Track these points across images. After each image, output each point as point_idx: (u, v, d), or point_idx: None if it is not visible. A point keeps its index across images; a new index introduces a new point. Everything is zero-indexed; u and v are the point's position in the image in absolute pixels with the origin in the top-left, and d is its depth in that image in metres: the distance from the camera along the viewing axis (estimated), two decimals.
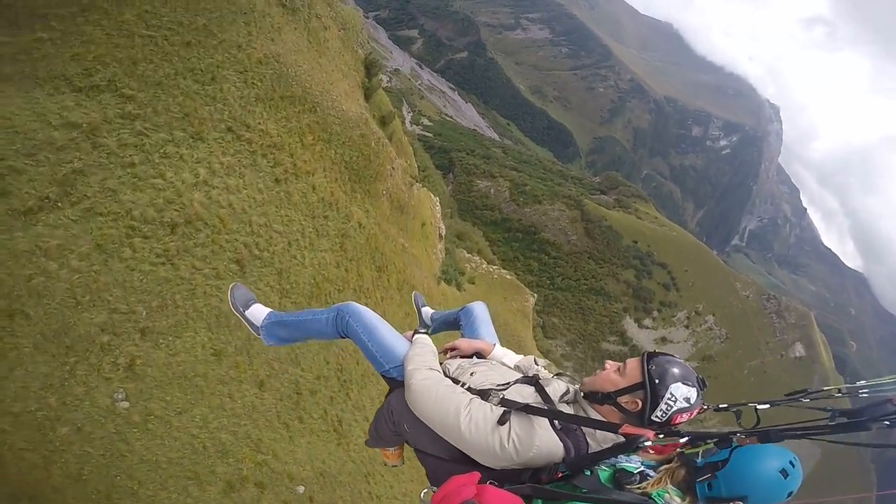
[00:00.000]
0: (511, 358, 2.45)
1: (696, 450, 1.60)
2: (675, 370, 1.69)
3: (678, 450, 1.64)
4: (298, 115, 12.20)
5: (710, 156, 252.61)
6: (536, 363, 2.32)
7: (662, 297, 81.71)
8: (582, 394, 1.91)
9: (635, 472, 1.64)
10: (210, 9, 10.24)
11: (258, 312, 2.84)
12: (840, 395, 1.68)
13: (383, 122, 24.67)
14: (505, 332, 26.78)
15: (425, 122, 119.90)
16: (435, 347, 2.33)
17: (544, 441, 1.71)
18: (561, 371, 2.32)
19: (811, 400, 1.72)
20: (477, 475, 1.50)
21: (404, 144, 29.31)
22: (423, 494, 2.04)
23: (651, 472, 1.66)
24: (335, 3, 18.53)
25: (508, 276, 34.80)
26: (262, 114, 10.99)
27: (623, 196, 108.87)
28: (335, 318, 2.48)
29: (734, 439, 1.52)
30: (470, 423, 1.78)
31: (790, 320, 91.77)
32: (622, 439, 1.65)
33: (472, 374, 2.11)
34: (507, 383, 1.99)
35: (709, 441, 1.56)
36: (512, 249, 78.23)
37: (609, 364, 1.91)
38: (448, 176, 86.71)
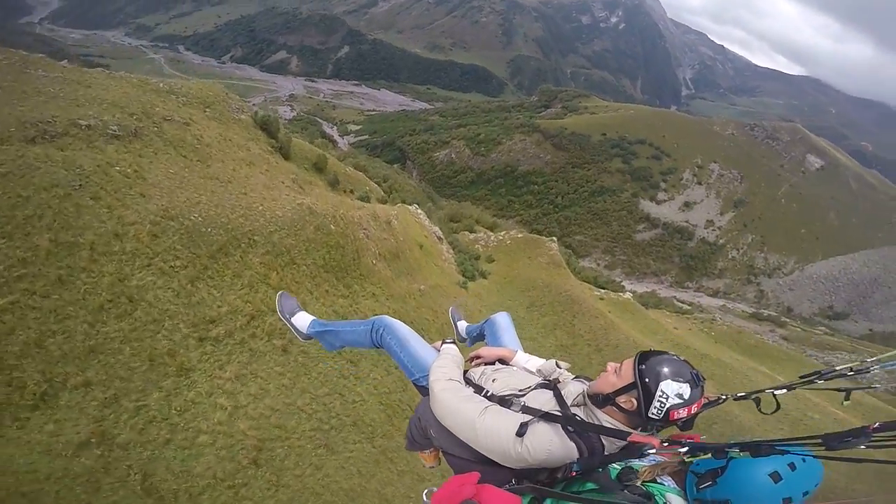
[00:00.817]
0: (534, 363, 2.38)
1: (695, 459, 1.58)
2: (665, 368, 1.68)
3: (679, 458, 1.63)
4: (244, 261, 9.46)
5: (612, 34, 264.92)
6: (559, 366, 2.22)
7: (659, 167, 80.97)
8: (590, 400, 1.90)
9: (641, 468, 1.62)
10: (33, 215, 7.12)
11: (303, 320, 3.11)
12: (852, 373, 1.69)
13: (317, 168, 22.02)
14: (549, 293, 24.52)
15: (352, 127, 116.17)
16: (460, 357, 2.36)
17: (556, 446, 1.74)
18: (580, 375, 2.19)
19: (825, 381, 1.71)
20: (476, 475, 1.52)
21: (351, 175, 26.52)
22: (424, 494, 2.00)
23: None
24: (177, 87, 15.16)
25: (520, 235, 32.06)
26: (209, 293, 8.49)
27: (565, 101, 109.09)
28: (370, 330, 2.64)
29: (729, 452, 1.51)
30: (484, 429, 1.83)
31: (785, 138, 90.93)
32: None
33: (493, 381, 2.14)
34: (527, 388, 2.03)
35: (706, 451, 1.54)
36: (502, 196, 76.79)
37: (609, 366, 1.89)
38: (406, 164, 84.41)
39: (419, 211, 26.90)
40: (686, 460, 1.60)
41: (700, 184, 79.97)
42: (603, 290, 33.60)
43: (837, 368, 1.70)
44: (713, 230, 75.08)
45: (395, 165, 79.04)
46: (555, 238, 33.55)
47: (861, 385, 1.59)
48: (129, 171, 9.03)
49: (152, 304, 7.56)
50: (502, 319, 3.00)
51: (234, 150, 13.70)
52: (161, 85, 14.77)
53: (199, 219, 9.15)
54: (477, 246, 29.73)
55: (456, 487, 1.43)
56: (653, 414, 1.67)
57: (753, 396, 1.81)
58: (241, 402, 7.73)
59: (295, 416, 8.32)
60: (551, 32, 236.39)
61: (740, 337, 33.81)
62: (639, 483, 1.54)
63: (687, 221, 75.11)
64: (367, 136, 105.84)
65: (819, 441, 1.42)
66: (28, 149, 7.97)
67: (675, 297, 61.67)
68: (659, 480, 1.56)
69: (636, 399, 1.71)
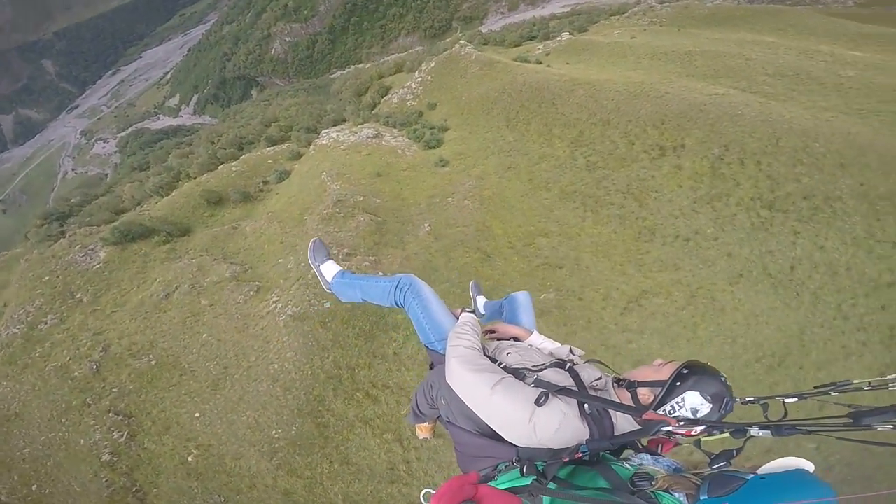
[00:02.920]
0: (548, 346, 2.32)
1: (713, 438, 1.52)
2: (702, 382, 1.59)
3: (696, 439, 1.56)
4: (335, 410, 9.13)
5: None
6: (572, 352, 2.19)
7: None
8: (614, 382, 1.87)
9: (657, 475, 1.48)
10: None
11: (331, 269, 3.04)
12: (870, 388, 1.57)
13: (216, 203, 17.34)
14: (511, 97, 21.01)
15: (171, 102, 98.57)
16: (479, 326, 2.30)
17: (567, 424, 1.66)
18: (594, 358, 2.14)
19: (840, 393, 1.61)
20: (475, 475, 1.58)
21: (247, 169, 21.15)
22: (422, 495, 1.97)
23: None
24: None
25: (432, 63, 26.87)
26: (361, 455, 8.84)
27: None
28: (395, 288, 2.57)
29: (749, 431, 1.43)
30: (497, 400, 1.75)
31: None
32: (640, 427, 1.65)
33: (507, 354, 2.12)
34: (542, 365, 1.99)
35: (725, 430, 1.47)
36: (371, 28, 69.33)
37: (656, 361, 1.80)
38: (260, 83, 73.48)
39: (332, 133, 22.26)
40: (703, 440, 1.53)
41: None
42: (541, 44, 29.53)
43: (855, 381, 1.60)
44: None
45: (254, 93, 68.82)
46: (462, 41, 28.47)
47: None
48: (188, 456, 8.83)
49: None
50: (523, 298, 2.97)
51: (167, 310, 11.67)
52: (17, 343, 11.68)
53: (280, 432, 8.91)
54: (408, 102, 25.33)
55: (456, 487, 1.39)
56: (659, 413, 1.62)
57: (762, 402, 1.65)
58: None
59: None
60: None
61: (692, 10, 30.54)
62: (650, 491, 1.40)
63: None
64: (196, 97, 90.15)
65: (846, 419, 1.37)
66: None
67: None
68: (671, 493, 1.38)
69: (655, 395, 1.66)
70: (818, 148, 13.55)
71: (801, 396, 1.62)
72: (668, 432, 1.59)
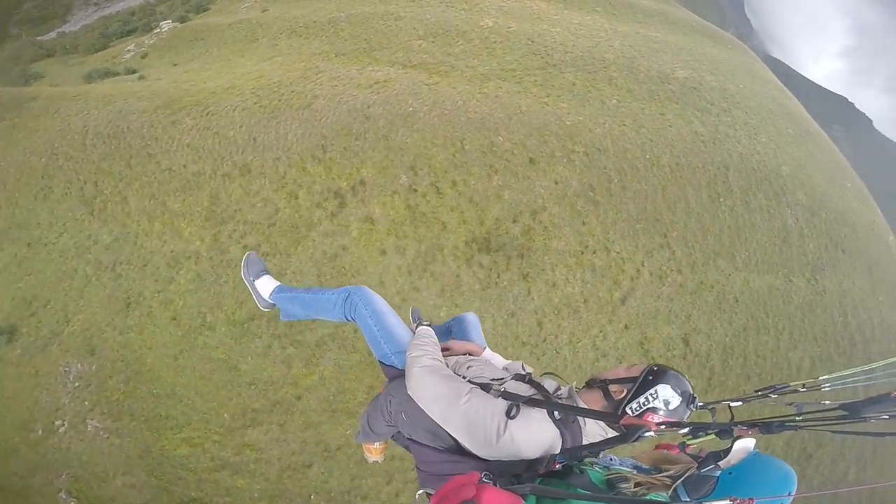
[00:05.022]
0: (499, 360, 2.36)
1: (698, 441, 1.50)
2: (672, 378, 1.67)
3: (680, 441, 1.56)
4: None
5: None
6: (524, 368, 2.16)
7: None
8: (578, 389, 1.89)
9: (629, 476, 1.54)
10: None
11: (266, 285, 2.79)
12: (804, 389, 1.73)
13: None
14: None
15: None
16: (437, 340, 2.26)
17: (541, 432, 1.67)
18: (550, 371, 2.15)
19: (778, 395, 1.74)
20: (476, 475, 1.48)
21: None
22: (417, 497, 1.90)
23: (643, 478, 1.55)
24: None
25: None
26: None
27: None
28: (345, 300, 2.42)
29: (734, 430, 1.43)
30: (468, 411, 1.72)
31: None
32: (614, 432, 1.67)
33: (468, 368, 2.08)
34: (503, 379, 1.96)
35: (710, 431, 1.46)
36: None
37: (625, 363, 1.93)
38: None
39: None
40: (687, 441, 1.51)
41: None
42: (135, 41, 20.18)
43: (791, 384, 1.72)
44: None
45: None
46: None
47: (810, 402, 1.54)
48: None
49: None
50: (472, 317, 2.88)
51: None
52: None
53: None
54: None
55: (455, 487, 1.36)
56: (631, 408, 1.65)
57: (710, 406, 1.78)
58: None
59: None
60: None
61: None
62: (629, 493, 1.46)
63: None
64: None
65: (841, 411, 1.37)
66: None
67: None
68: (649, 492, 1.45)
69: (627, 390, 1.69)
70: (503, 143, 11.36)
71: (744, 400, 1.74)
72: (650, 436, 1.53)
